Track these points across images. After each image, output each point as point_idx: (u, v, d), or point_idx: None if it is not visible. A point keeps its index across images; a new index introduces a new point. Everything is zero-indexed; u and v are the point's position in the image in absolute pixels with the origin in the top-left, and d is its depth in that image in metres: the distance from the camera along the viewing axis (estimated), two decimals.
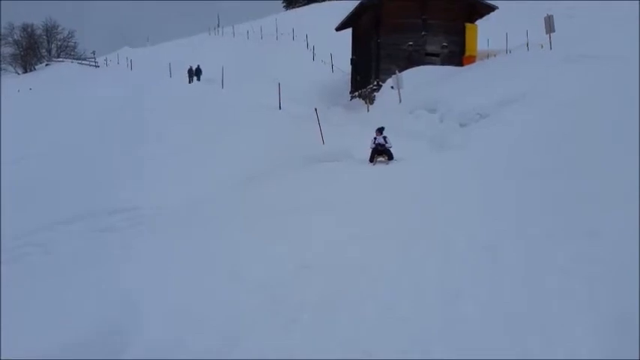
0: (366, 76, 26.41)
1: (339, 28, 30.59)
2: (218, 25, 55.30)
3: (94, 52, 48.79)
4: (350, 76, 29.63)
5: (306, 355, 4.10)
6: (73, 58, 51.03)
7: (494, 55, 22.93)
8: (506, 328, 3.82)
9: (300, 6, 63.76)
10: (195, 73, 31.55)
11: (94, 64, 44.21)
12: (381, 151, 12.38)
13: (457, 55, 24.84)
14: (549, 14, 17.85)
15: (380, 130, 12.70)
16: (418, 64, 23.62)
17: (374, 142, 12.69)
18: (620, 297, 3.79)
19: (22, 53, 58.57)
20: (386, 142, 12.53)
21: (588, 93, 10.56)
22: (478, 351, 3.67)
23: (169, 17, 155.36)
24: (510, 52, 23.11)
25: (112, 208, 9.73)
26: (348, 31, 29.90)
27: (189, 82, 30.41)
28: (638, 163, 6.14)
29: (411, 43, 24.91)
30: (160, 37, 71.93)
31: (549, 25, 17.37)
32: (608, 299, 3.83)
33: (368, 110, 20.64)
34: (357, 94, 27.59)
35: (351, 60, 29.45)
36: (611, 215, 5.20)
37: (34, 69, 54.40)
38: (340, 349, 4.12)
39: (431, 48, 25.13)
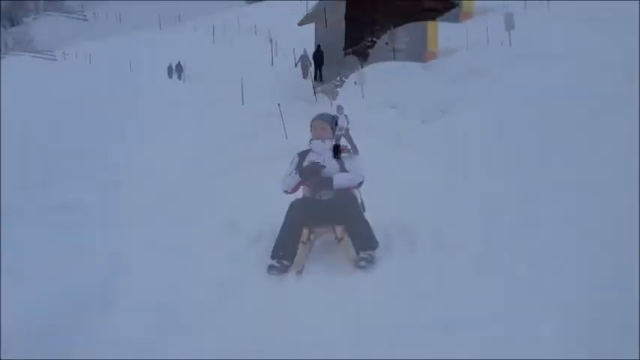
0: (329, 72, 26.43)
1: (301, 23, 30.47)
2: (179, 20, 54.32)
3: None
4: (313, 71, 29.56)
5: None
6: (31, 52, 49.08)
7: (455, 52, 23.24)
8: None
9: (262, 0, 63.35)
10: (175, 70, 30.05)
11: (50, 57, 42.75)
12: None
13: (420, 51, 25.09)
14: (509, 11, 18.24)
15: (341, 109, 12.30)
16: (382, 60, 23.76)
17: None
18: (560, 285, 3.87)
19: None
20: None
21: (543, 90, 10.81)
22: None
23: (128, 9, 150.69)
24: (470, 49, 23.43)
25: (62, 203, 9.37)
26: (311, 26, 29.80)
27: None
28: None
29: (375, 38, 25.06)
30: (117, 31, 69.95)
31: (509, 23, 17.76)
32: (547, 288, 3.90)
33: (331, 105, 20.59)
34: (320, 89, 27.55)
35: (314, 55, 29.37)
36: (559, 206, 5.34)
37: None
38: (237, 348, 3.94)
39: (394, 44, 25.32)
